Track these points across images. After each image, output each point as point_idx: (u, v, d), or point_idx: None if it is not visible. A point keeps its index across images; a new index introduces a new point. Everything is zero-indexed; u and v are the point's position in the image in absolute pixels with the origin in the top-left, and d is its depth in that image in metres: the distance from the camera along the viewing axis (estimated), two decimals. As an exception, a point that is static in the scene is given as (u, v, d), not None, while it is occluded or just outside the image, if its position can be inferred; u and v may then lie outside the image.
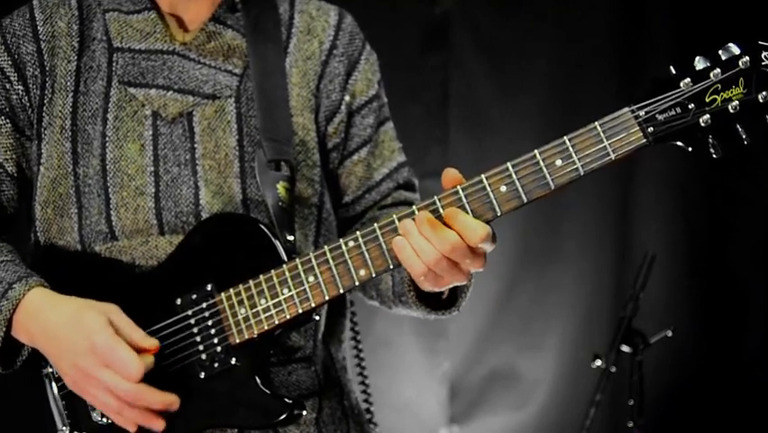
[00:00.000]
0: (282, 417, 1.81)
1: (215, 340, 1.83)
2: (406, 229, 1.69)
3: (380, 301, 2.03)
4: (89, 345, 1.77)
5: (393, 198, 2.09)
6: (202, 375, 1.83)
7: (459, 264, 1.69)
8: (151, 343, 1.80)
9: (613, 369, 3.33)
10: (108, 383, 1.77)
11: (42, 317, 1.82)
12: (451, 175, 1.71)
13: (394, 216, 1.72)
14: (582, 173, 1.65)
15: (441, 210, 1.70)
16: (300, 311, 1.79)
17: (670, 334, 3.30)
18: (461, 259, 1.68)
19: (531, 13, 4.22)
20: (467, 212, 1.69)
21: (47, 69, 1.99)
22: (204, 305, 1.84)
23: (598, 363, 3.34)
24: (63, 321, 1.80)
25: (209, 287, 1.84)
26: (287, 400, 1.82)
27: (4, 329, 1.83)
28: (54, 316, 1.81)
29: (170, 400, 1.79)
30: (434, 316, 1.88)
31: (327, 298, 1.77)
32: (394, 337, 4.14)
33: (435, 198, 1.71)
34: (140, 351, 1.78)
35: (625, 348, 3.34)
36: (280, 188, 1.91)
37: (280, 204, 1.90)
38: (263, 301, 1.80)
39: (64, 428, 1.89)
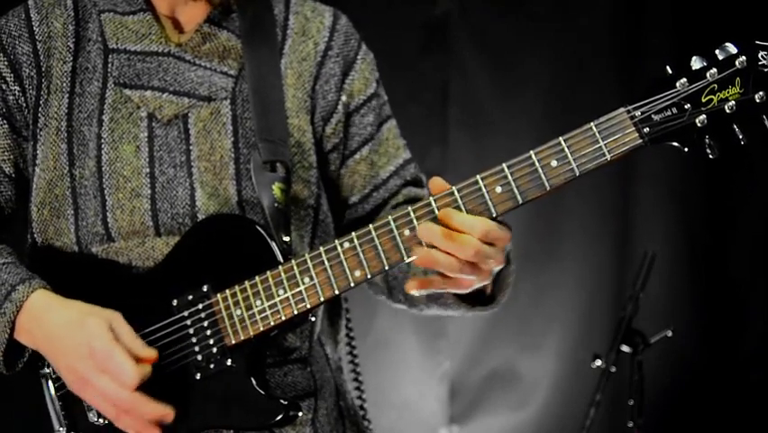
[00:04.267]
0: (278, 418, 1.81)
1: (211, 341, 1.83)
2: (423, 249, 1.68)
3: (410, 305, 2.02)
4: (88, 349, 1.77)
5: (404, 195, 2.08)
6: (198, 376, 1.83)
7: (479, 265, 1.68)
8: (150, 353, 1.79)
9: (613, 369, 3.33)
10: (104, 390, 1.77)
11: (45, 320, 1.82)
12: (437, 183, 1.71)
13: (389, 217, 1.72)
14: (578, 174, 1.65)
15: (436, 211, 1.69)
16: (296, 312, 1.78)
17: (670, 334, 3.30)
18: (482, 260, 1.67)
19: (531, 13, 4.21)
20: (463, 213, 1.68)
21: (43, 69, 1.99)
22: (200, 306, 1.83)
23: (598, 363, 3.34)
24: (65, 324, 1.80)
25: (205, 288, 1.84)
26: (282, 401, 1.82)
27: (8, 332, 1.84)
28: (57, 318, 1.81)
29: (165, 412, 1.79)
30: (474, 312, 1.86)
31: (323, 299, 1.77)
32: (394, 337, 4.13)
33: (431, 198, 1.70)
34: (138, 360, 1.78)
35: (625, 348, 3.33)
36: (276, 189, 1.90)
37: (276, 205, 1.89)
38: (259, 302, 1.80)
39: (61, 428, 1.88)
